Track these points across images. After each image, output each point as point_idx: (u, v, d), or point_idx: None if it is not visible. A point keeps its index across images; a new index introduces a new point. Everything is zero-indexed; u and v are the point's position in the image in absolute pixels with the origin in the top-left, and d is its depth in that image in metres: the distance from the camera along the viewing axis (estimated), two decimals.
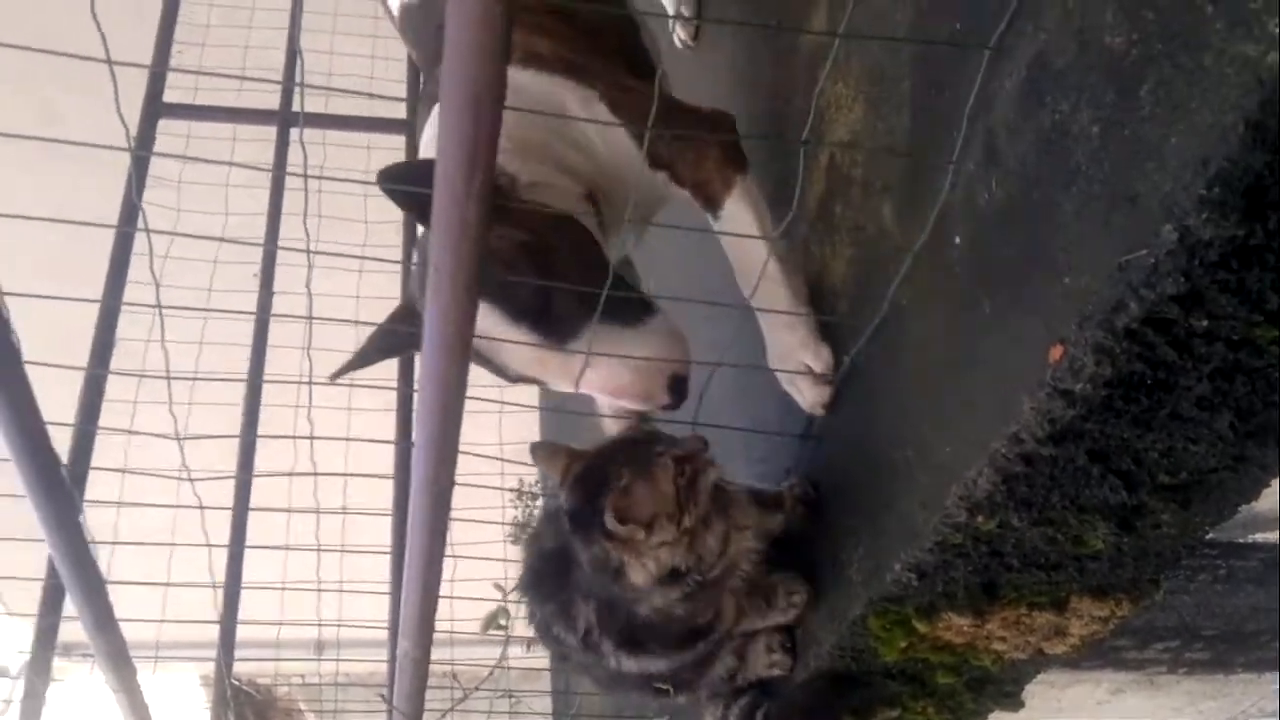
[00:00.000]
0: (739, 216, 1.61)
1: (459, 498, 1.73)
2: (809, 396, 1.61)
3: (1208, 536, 1.38)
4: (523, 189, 1.53)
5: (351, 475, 2.53)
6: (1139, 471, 1.19)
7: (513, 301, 1.48)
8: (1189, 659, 1.93)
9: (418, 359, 1.27)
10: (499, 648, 2.00)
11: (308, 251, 1.56)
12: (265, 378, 3.25)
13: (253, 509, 3.32)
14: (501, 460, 2.11)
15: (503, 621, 1.57)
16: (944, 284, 1.29)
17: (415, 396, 1.38)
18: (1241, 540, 1.63)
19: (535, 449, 1.56)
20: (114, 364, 3.01)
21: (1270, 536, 1.62)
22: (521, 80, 1.62)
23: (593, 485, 1.43)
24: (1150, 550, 1.34)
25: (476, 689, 1.62)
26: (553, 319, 1.49)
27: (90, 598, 1.76)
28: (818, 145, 1.67)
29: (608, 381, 1.50)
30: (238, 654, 3.31)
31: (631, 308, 1.52)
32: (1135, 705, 2.08)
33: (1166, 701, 2.08)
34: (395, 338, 1.65)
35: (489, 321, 1.46)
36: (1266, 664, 2.00)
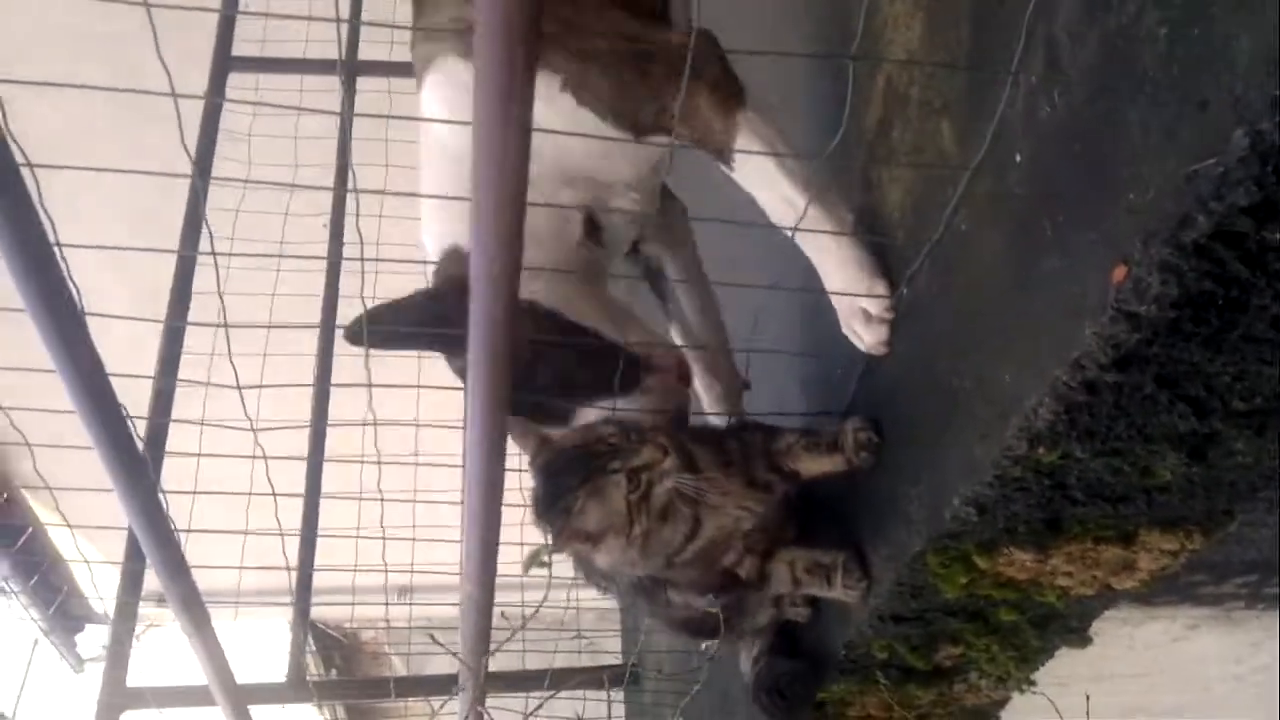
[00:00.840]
0: (753, 160, 1.48)
1: None
2: (866, 338, 1.54)
3: None
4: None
5: (421, 425, 2.56)
6: (1210, 398, 1.13)
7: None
8: (1267, 594, 1.87)
9: (471, 301, 1.27)
10: (562, 588, 2.02)
11: (356, 193, 1.55)
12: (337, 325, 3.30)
13: (327, 459, 3.39)
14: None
15: (545, 559, 1.57)
16: (1003, 206, 1.23)
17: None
18: None
19: (510, 425, 1.56)
20: (192, 317, 3.07)
21: None
22: (456, 77, 1.53)
23: (554, 487, 1.47)
24: (1223, 480, 1.28)
25: (523, 627, 1.62)
26: (551, 407, 1.52)
27: (161, 546, 1.80)
28: (870, 62, 1.60)
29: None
30: (321, 600, 3.39)
31: (620, 374, 1.50)
32: (1211, 642, 2.02)
33: (1244, 637, 2.02)
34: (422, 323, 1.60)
35: None
36: None
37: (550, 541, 1.49)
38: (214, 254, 1.47)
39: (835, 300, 1.57)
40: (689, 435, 1.60)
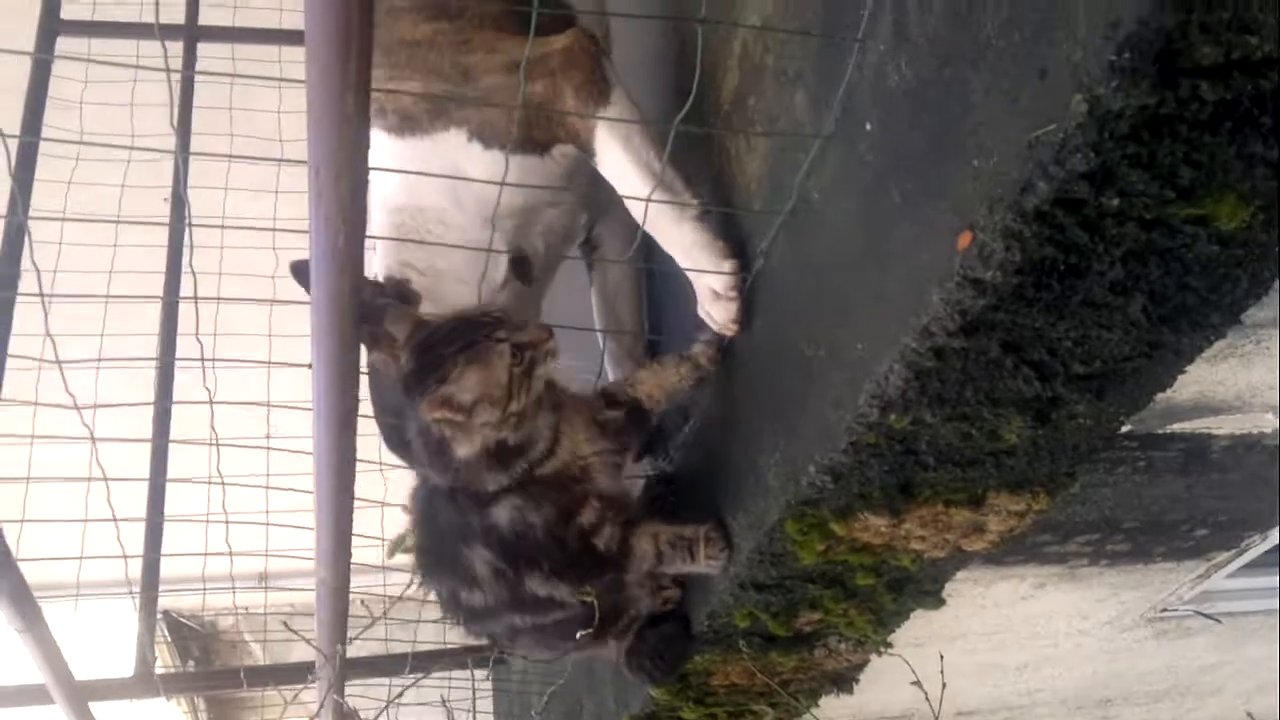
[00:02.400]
0: (611, 152, 1.55)
1: None
2: (717, 317, 1.55)
3: (1125, 428, 1.36)
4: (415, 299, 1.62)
5: (273, 406, 2.45)
6: (1052, 362, 1.16)
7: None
8: (1110, 551, 1.95)
9: (312, 273, 1.21)
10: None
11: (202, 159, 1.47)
12: (180, 298, 3.14)
13: (173, 441, 3.23)
14: None
15: (409, 545, 1.52)
16: (855, 174, 1.24)
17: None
18: (1159, 431, 1.62)
19: (388, 311, 1.51)
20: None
21: (1187, 427, 1.62)
22: (400, 150, 1.61)
23: (430, 358, 1.41)
24: (1066, 443, 1.32)
25: (385, 614, 1.58)
26: None
27: None
28: (726, 30, 1.59)
29: None
30: (173, 588, 3.23)
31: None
32: (1058, 598, 2.10)
33: (1089, 594, 2.11)
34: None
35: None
36: (1185, 553, 2.03)
37: (420, 411, 1.42)
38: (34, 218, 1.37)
39: (693, 282, 1.58)
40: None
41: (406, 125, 1.61)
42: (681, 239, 1.55)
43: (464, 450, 1.44)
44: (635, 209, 1.54)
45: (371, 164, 1.15)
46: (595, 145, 1.56)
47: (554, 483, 1.51)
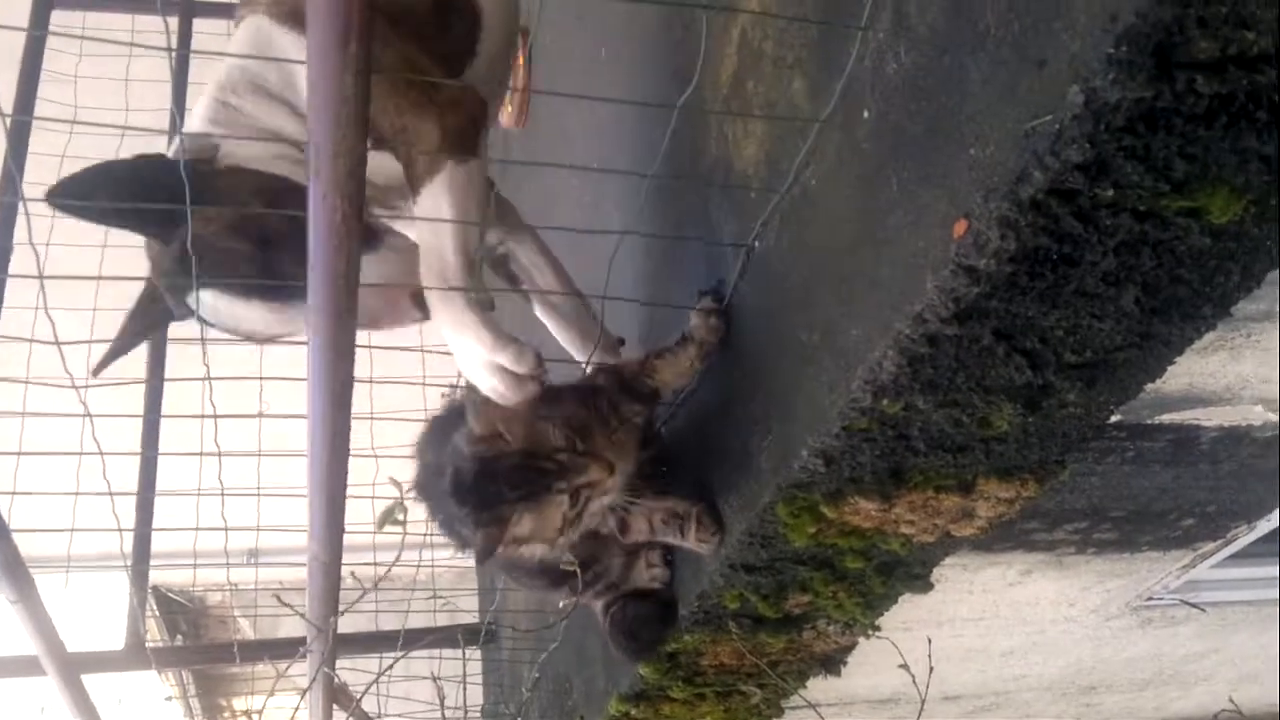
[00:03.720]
0: (434, 207, 1.49)
1: (386, 396, 1.66)
2: (509, 394, 1.50)
3: (1114, 418, 1.37)
4: (220, 162, 1.54)
5: (266, 379, 2.46)
6: (1044, 350, 1.17)
7: (237, 280, 1.48)
8: (1097, 539, 1.96)
9: (309, 249, 1.22)
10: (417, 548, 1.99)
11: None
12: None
13: (165, 416, 3.23)
14: (423, 352, 2.05)
15: (399, 517, 1.53)
16: (852, 161, 1.24)
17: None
18: (1149, 421, 1.63)
19: (468, 400, 1.54)
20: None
21: (1176, 418, 1.63)
22: (260, 34, 1.57)
23: (490, 487, 1.45)
24: (1056, 431, 1.34)
25: (375, 587, 1.59)
26: (282, 280, 1.47)
27: None
28: (724, 15, 1.59)
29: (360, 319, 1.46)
30: (163, 562, 3.24)
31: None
32: (1045, 586, 2.12)
33: (1076, 581, 2.13)
34: (151, 315, 1.63)
35: (224, 304, 1.51)
36: (1171, 542, 2.05)
37: (471, 535, 1.47)
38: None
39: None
40: (569, 419, 1.55)
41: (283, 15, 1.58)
42: (469, 331, 1.49)
43: (506, 554, 1.50)
44: (428, 270, 1.50)
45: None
46: (424, 190, 1.50)
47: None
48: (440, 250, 1.49)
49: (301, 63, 1.33)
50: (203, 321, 1.59)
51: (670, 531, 1.63)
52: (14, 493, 2.53)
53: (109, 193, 1.48)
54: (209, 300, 1.52)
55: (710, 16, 1.61)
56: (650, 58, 1.96)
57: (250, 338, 1.59)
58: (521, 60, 2.86)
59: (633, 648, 1.80)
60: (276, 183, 1.53)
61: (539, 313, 2.02)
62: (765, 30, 1.51)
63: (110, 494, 1.92)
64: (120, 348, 1.63)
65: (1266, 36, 0.85)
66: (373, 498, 1.79)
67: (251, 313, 1.53)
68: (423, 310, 1.53)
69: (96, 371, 1.61)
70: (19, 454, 2.64)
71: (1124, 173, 0.94)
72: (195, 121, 1.60)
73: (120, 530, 2.13)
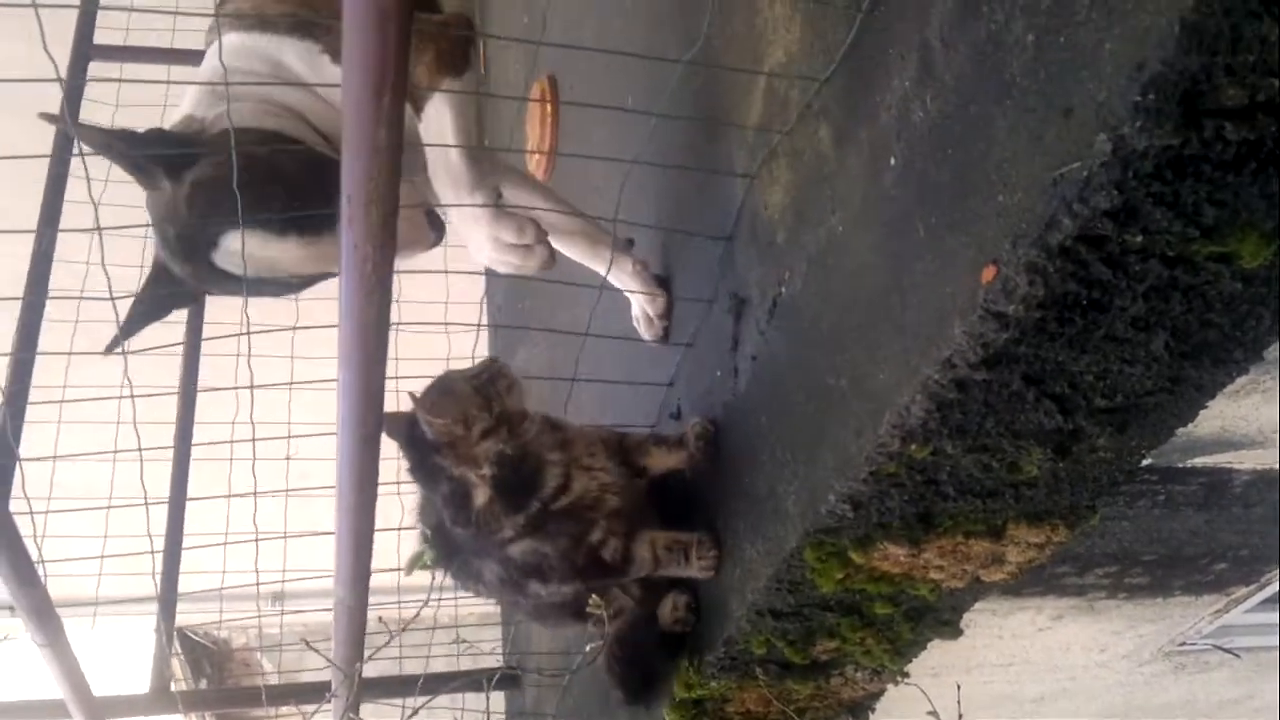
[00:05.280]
0: (442, 115, 1.65)
1: None
2: (531, 264, 1.74)
3: (1146, 462, 1.36)
4: (213, 130, 1.62)
5: (294, 423, 2.47)
6: (1074, 395, 1.17)
7: (266, 218, 1.55)
8: (1128, 584, 1.94)
9: (340, 297, 1.24)
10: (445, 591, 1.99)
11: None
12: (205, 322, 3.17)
13: (195, 459, 3.25)
14: None
15: (428, 561, 1.55)
16: (879, 208, 1.25)
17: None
18: (1180, 465, 1.62)
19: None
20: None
21: (1208, 461, 1.62)
22: (240, 43, 1.70)
23: (417, 432, 1.62)
24: (1087, 476, 1.33)
25: (401, 630, 1.60)
26: (309, 215, 1.56)
27: (7, 553, 1.70)
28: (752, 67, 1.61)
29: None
30: (189, 605, 3.24)
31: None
32: (1075, 631, 2.09)
33: (1107, 626, 2.10)
34: (157, 300, 1.72)
35: (258, 246, 1.56)
36: (1204, 587, 2.02)
37: (437, 477, 1.61)
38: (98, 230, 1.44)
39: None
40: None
41: (261, 26, 1.72)
42: (472, 209, 1.68)
43: (481, 496, 1.61)
44: (437, 179, 1.68)
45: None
46: (428, 105, 1.66)
47: (568, 514, 1.63)
48: (447, 156, 1.66)
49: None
50: (217, 288, 1.65)
51: (674, 560, 1.68)
52: (44, 535, 2.55)
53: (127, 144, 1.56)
54: (234, 247, 1.57)
55: (734, 72, 1.62)
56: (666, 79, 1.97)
57: (282, 286, 1.67)
58: (549, 115, 2.91)
59: (625, 689, 1.84)
60: (274, 136, 1.62)
61: (553, 242, 2.12)
62: (791, 79, 1.53)
63: (149, 535, 1.94)
64: (128, 330, 1.71)
65: None
66: (398, 541, 1.81)
67: (286, 250, 1.59)
68: (438, 229, 1.71)
69: (108, 350, 1.68)
70: (49, 497, 2.66)
71: (1153, 219, 0.95)
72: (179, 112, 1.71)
73: (154, 574, 2.14)
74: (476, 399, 1.60)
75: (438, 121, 1.66)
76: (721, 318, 1.70)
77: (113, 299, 1.54)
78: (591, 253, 2.06)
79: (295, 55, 1.69)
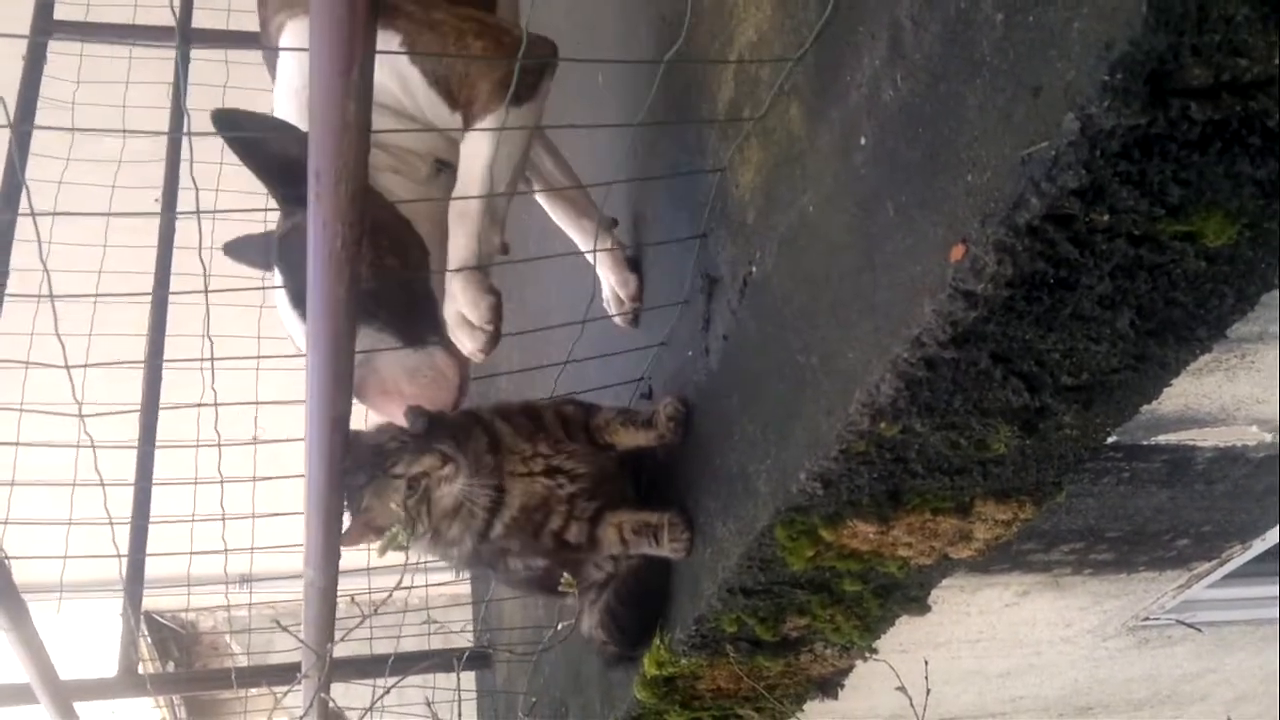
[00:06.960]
0: (474, 149, 1.59)
1: None
2: (468, 344, 1.59)
3: (1111, 439, 1.38)
4: None
5: (261, 404, 2.45)
6: (1041, 373, 1.18)
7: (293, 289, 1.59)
8: (1093, 560, 1.97)
9: (309, 276, 1.23)
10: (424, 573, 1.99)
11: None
12: (169, 300, 3.14)
13: (160, 445, 3.22)
14: None
15: (402, 542, 1.54)
16: (850, 187, 1.25)
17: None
18: (1144, 442, 1.64)
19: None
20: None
21: (1171, 438, 1.64)
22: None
23: (350, 485, 1.56)
24: (1053, 453, 1.34)
25: (373, 613, 1.59)
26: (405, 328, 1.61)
27: None
28: (722, 43, 1.60)
29: (383, 385, 1.64)
30: (155, 588, 3.22)
31: (418, 327, 1.62)
32: (1042, 607, 2.12)
33: (1072, 602, 2.13)
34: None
35: (282, 308, 1.64)
36: (1167, 563, 2.05)
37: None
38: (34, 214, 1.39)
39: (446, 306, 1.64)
40: (497, 413, 1.71)
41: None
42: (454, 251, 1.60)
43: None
44: (453, 205, 1.60)
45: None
46: (473, 130, 1.59)
47: (514, 525, 1.64)
48: (469, 186, 1.58)
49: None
50: None
51: (643, 542, 1.68)
52: (7, 521, 2.52)
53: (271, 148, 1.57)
54: (279, 299, 1.63)
55: (708, 45, 1.62)
56: (640, 59, 1.97)
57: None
58: None
59: (616, 638, 1.83)
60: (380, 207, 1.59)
61: (540, 199, 2.11)
62: (763, 57, 1.53)
63: (110, 522, 1.92)
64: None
65: (1259, 64, 0.86)
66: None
67: (294, 325, 1.60)
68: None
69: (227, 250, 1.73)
70: (12, 484, 2.63)
71: (1119, 198, 0.95)
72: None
73: (118, 556, 2.12)
74: (407, 519, 1.57)
75: (473, 152, 1.59)
76: (694, 297, 1.71)
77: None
78: (574, 222, 2.06)
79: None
